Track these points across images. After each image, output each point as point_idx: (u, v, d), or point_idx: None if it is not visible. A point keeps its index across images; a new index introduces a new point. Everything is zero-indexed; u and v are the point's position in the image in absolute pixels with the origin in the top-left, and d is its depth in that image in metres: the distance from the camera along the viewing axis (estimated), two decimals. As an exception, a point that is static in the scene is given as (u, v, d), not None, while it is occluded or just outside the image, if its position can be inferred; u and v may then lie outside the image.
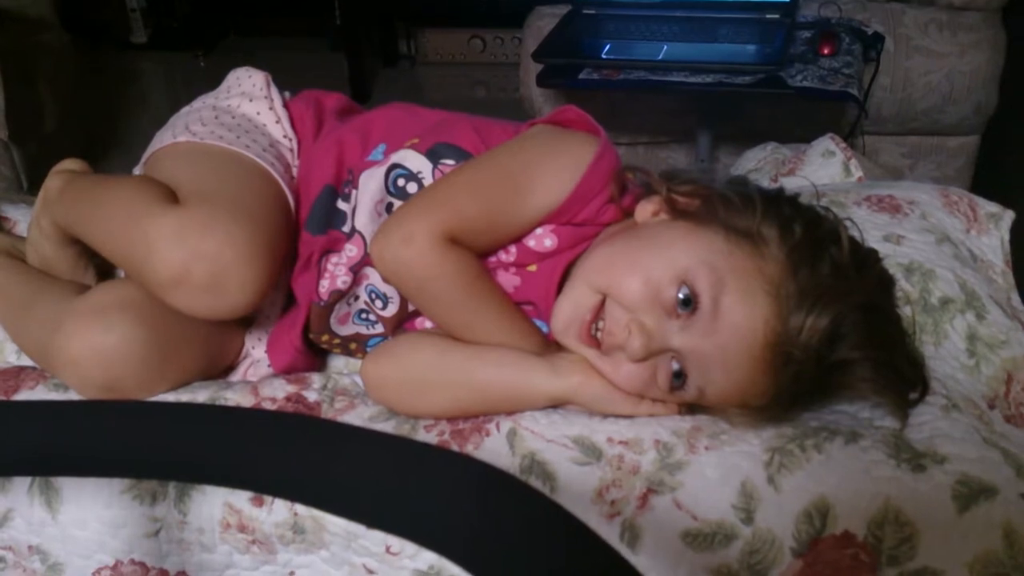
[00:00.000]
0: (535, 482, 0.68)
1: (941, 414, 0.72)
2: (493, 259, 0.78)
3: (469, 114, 0.87)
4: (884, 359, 0.70)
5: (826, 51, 1.62)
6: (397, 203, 0.81)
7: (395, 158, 0.82)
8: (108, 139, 2.49)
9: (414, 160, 0.82)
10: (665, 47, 1.68)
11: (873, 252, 0.78)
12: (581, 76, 1.63)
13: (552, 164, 0.76)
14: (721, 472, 0.67)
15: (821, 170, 1.10)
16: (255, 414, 0.45)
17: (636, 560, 0.66)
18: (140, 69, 3.15)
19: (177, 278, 0.72)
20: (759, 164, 1.24)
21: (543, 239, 0.77)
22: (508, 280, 0.78)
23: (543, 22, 1.89)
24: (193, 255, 0.72)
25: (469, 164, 0.79)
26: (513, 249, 0.77)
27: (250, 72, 0.93)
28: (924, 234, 0.86)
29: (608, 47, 1.71)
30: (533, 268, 0.78)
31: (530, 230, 0.76)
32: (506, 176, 0.76)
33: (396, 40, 3.11)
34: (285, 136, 0.88)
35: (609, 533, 0.65)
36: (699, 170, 1.75)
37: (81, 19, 2.82)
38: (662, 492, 0.66)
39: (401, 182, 0.82)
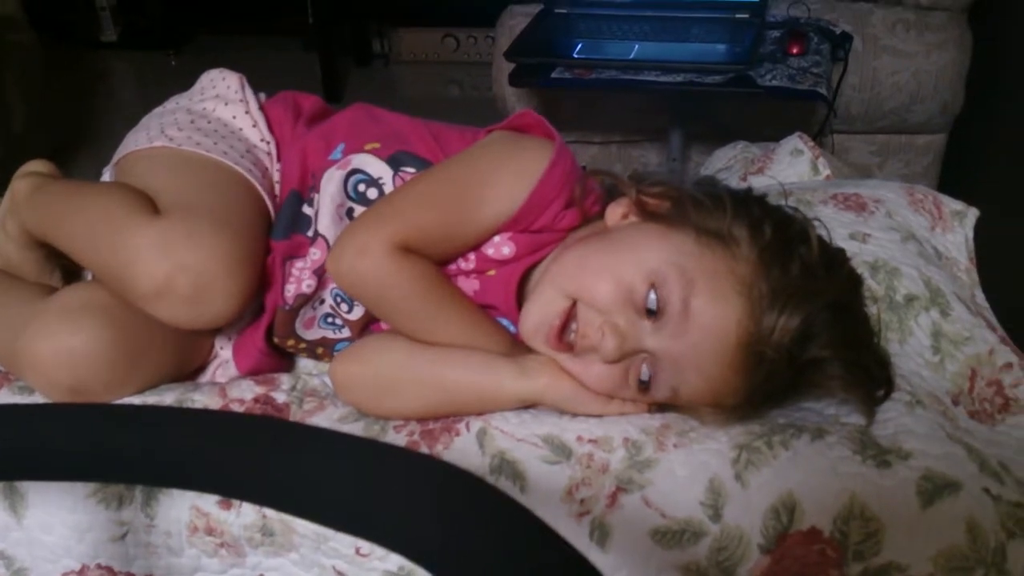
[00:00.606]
0: (505, 482, 0.68)
1: (906, 410, 0.73)
2: (453, 267, 0.78)
3: (428, 120, 0.87)
4: (854, 358, 0.71)
5: (795, 50, 1.63)
6: (358, 208, 0.81)
7: (355, 162, 0.82)
8: (77, 140, 2.46)
9: (375, 166, 0.81)
10: (636, 46, 1.69)
11: (841, 251, 0.79)
12: (553, 75, 1.64)
13: (506, 173, 0.76)
14: (689, 470, 0.68)
15: (789, 168, 1.11)
16: (220, 416, 0.45)
17: (606, 559, 0.66)
18: (110, 68, 3.12)
19: (160, 290, 0.72)
20: (729, 163, 1.25)
21: (501, 247, 0.77)
22: (467, 285, 0.79)
23: (515, 21, 1.89)
24: (177, 267, 0.72)
25: (425, 174, 0.79)
26: (472, 257, 0.78)
27: (224, 74, 0.92)
28: (890, 232, 0.87)
29: (580, 46, 1.71)
30: (492, 273, 0.78)
31: (487, 238, 0.77)
32: (461, 186, 0.76)
33: (369, 39, 3.10)
34: (263, 139, 0.88)
35: (579, 532, 0.66)
36: (669, 171, 1.76)
37: (49, 17, 2.78)
38: (631, 490, 0.67)
39: (362, 187, 0.81)
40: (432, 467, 0.35)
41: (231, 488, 0.40)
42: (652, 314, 0.69)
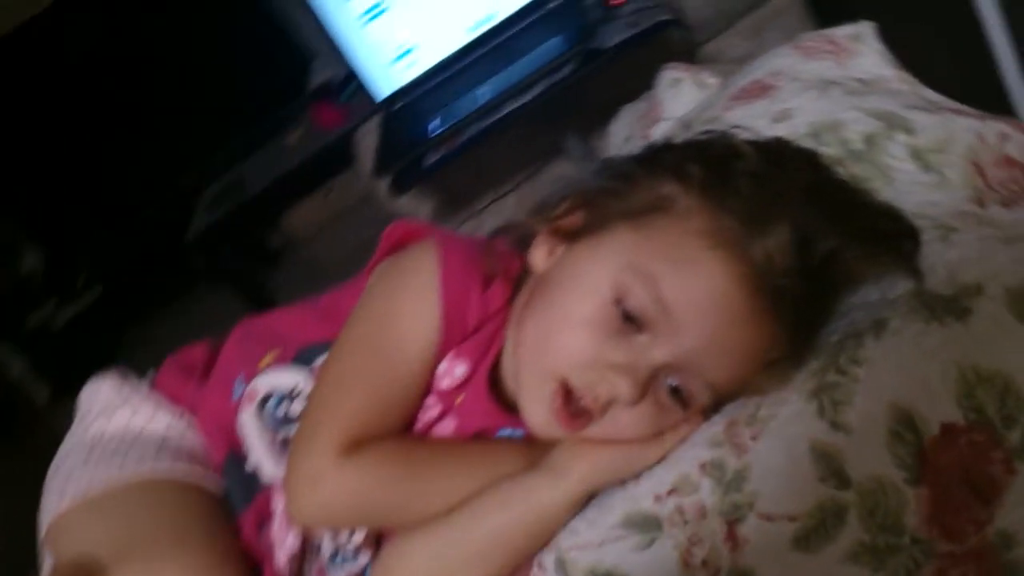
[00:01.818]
0: (616, 593, 0.58)
1: (943, 246, 0.63)
2: (419, 425, 0.68)
3: (315, 296, 0.79)
4: (861, 227, 0.61)
5: (616, 1, 1.58)
6: (293, 430, 0.71)
7: (260, 386, 0.73)
8: None
9: (284, 377, 0.73)
10: (483, 89, 1.64)
11: (777, 139, 0.70)
12: (427, 164, 1.58)
13: (405, 302, 0.67)
14: (785, 452, 0.57)
15: (678, 101, 1.03)
16: None
17: (767, 598, 0.56)
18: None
19: None
20: (628, 132, 1.18)
21: (452, 371, 0.67)
22: (445, 428, 0.69)
23: (369, 139, 1.84)
24: None
25: (330, 356, 0.69)
26: (431, 400, 0.68)
27: (97, 384, 0.84)
28: (806, 93, 0.79)
29: (435, 121, 1.66)
30: (460, 400, 0.68)
31: (431, 374, 0.67)
32: (370, 346, 0.66)
33: (262, 242, 3.04)
34: (169, 425, 0.79)
35: (721, 594, 0.55)
36: (568, 180, 1.69)
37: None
38: (743, 516, 0.56)
39: (283, 408, 0.72)
40: None
41: None
42: (639, 327, 0.60)
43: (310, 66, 2.25)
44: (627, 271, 0.60)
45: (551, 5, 1.69)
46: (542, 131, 1.78)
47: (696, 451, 0.61)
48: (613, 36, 1.51)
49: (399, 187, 1.62)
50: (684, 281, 0.59)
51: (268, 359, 0.74)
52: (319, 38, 1.82)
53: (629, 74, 1.73)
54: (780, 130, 0.75)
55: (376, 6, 1.71)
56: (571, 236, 0.66)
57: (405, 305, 0.66)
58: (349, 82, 2.00)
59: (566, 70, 1.53)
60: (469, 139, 1.57)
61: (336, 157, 2.48)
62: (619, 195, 0.63)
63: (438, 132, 1.61)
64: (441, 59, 1.75)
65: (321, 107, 2.05)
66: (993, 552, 0.56)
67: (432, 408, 0.68)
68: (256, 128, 2.35)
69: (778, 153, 0.66)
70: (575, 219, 0.66)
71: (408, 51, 1.75)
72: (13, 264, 2.73)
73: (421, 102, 1.76)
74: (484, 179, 1.87)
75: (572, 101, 1.75)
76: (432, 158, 1.59)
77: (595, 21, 1.57)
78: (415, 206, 1.86)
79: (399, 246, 0.72)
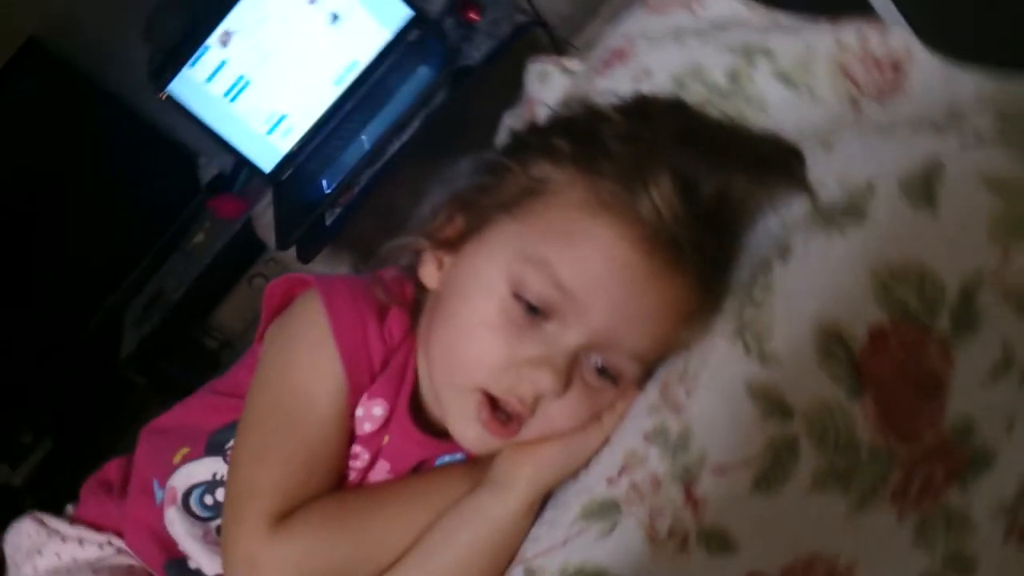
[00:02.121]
0: (593, 589, 0.54)
1: (828, 157, 0.62)
2: (352, 475, 0.65)
3: (207, 385, 0.76)
4: (742, 158, 0.60)
5: (472, 15, 1.58)
6: (220, 520, 0.67)
7: (179, 483, 0.69)
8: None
9: (200, 468, 0.69)
10: (363, 137, 1.62)
11: (639, 94, 0.68)
12: (328, 224, 1.55)
13: (302, 357, 0.63)
14: (722, 399, 0.55)
15: (548, 92, 1.02)
16: None
17: (744, 551, 0.53)
18: None
19: None
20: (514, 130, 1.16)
21: (371, 413, 0.64)
22: (379, 474, 0.65)
23: (267, 215, 1.80)
24: None
25: (239, 436, 0.65)
26: (356, 448, 0.64)
27: (16, 529, 0.79)
28: (661, 48, 0.78)
29: (325, 180, 1.62)
30: (387, 439, 0.65)
31: (349, 424, 0.63)
32: (276, 414, 0.62)
33: (200, 345, 2.96)
34: (101, 546, 0.74)
35: (694, 561, 0.52)
36: (439, 189, 1.69)
37: None
38: (697, 475, 0.53)
39: (207, 499, 0.68)
40: None
41: None
42: (545, 315, 0.57)
43: (197, 162, 2.23)
44: (518, 262, 0.58)
45: (410, 38, 1.68)
46: (434, 161, 1.76)
47: (637, 423, 0.58)
48: (477, 51, 1.50)
49: (306, 254, 1.58)
50: (577, 257, 0.57)
51: (179, 456, 0.70)
52: (195, 132, 1.78)
53: (505, 83, 1.73)
54: (643, 89, 0.74)
55: (237, 82, 1.68)
56: (455, 244, 0.63)
57: (302, 362, 0.63)
58: (240, 167, 1.98)
59: (440, 96, 1.52)
60: (363, 188, 1.54)
61: (247, 243, 2.45)
62: (492, 189, 0.61)
63: (331, 190, 1.58)
64: (317, 118, 1.72)
65: (219, 200, 2.01)
66: (954, 444, 0.55)
67: (360, 456, 0.64)
68: (163, 237, 2.32)
69: (642, 108, 0.65)
70: (455, 226, 0.64)
71: (281, 118, 1.72)
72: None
73: (308, 165, 1.73)
74: (391, 222, 1.83)
75: (456, 124, 1.74)
76: (332, 216, 1.55)
77: (457, 41, 1.57)
78: (333, 267, 1.83)
79: (283, 305, 0.69)
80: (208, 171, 2.20)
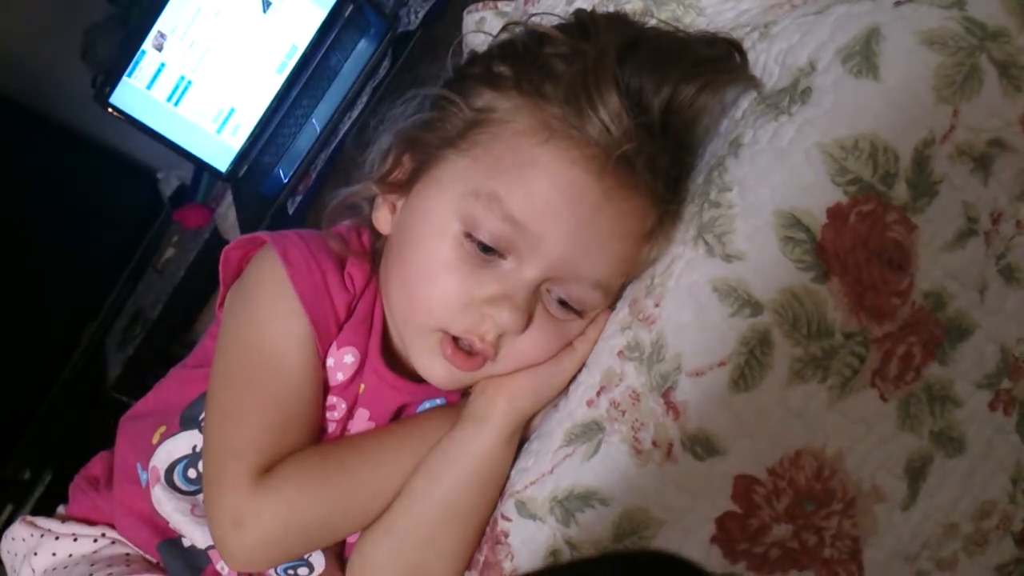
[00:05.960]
0: (588, 516, 0.53)
1: (767, 44, 0.60)
2: (333, 427, 0.63)
3: (177, 364, 0.74)
4: (685, 64, 0.58)
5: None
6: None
7: (160, 461, 0.67)
8: None
9: (179, 443, 0.67)
10: (313, 119, 1.59)
11: (579, 11, 0.66)
12: (291, 212, 1.52)
13: (264, 311, 0.61)
14: (690, 303, 0.53)
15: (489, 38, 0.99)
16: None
17: (733, 453, 0.52)
18: None
19: None
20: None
21: (342, 361, 0.62)
22: (360, 423, 0.64)
23: (230, 218, 1.77)
24: None
25: (210, 398, 0.63)
26: (333, 399, 0.63)
27: (9, 535, 0.77)
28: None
29: (282, 170, 1.60)
30: (363, 388, 0.63)
31: (324, 380, 0.62)
32: (246, 371, 0.60)
33: (168, 354, 2.92)
34: (95, 539, 0.73)
35: (681, 467, 0.51)
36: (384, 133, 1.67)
37: None
38: (675, 382, 0.52)
39: (191, 472, 0.67)
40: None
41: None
42: (501, 252, 0.56)
43: (156, 178, 2.20)
44: (468, 198, 0.56)
45: (346, 13, 1.65)
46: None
47: (611, 342, 0.57)
48: (415, 15, 1.47)
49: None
50: (528, 188, 0.55)
51: (157, 436, 0.68)
52: (149, 146, 1.75)
53: (447, 43, 1.71)
54: (579, 5, 0.71)
55: (179, 84, 1.64)
56: (406, 186, 0.62)
57: (264, 316, 0.61)
58: (200, 175, 1.94)
59: (385, 65, 1.49)
60: (322, 171, 1.52)
61: (218, 251, 2.42)
62: (437, 125, 0.59)
63: (288, 179, 1.55)
64: (264, 110, 1.69)
65: (184, 212, 1.98)
66: (928, 316, 0.54)
67: (337, 407, 0.63)
68: (133, 258, 2.30)
69: (582, 25, 0.62)
70: (404, 168, 0.62)
71: (229, 115, 1.69)
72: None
73: (262, 158, 1.69)
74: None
75: (405, 91, 1.71)
76: (294, 204, 1.53)
77: (393, 8, 1.53)
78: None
79: (241, 270, 0.67)
80: (168, 185, 2.17)
